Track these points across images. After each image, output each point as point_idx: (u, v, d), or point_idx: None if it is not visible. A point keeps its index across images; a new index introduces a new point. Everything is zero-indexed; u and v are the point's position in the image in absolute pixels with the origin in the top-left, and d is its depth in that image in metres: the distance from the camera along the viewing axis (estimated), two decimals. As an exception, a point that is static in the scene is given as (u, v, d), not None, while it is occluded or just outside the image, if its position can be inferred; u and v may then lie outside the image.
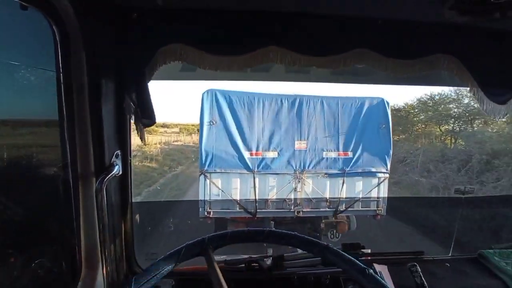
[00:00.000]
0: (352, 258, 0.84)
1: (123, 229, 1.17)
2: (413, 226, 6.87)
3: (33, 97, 0.95)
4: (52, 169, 0.99)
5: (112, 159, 1.04)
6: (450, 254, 1.51)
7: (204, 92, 4.72)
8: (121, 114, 1.07)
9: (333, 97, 5.05)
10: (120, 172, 1.07)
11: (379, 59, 1.11)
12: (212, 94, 4.71)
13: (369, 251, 1.33)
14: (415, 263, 1.16)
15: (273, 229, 0.88)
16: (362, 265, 0.81)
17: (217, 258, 1.30)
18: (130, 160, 1.15)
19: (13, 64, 0.81)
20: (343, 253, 0.86)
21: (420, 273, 1.13)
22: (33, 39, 0.91)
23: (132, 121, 1.12)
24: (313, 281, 1.17)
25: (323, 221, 5.18)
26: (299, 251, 1.19)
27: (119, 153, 1.08)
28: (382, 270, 1.18)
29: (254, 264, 1.23)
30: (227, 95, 4.76)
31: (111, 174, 0.99)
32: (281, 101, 4.89)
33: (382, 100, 5.07)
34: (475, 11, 0.96)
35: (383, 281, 0.80)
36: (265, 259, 1.23)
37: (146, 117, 1.05)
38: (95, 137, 0.97)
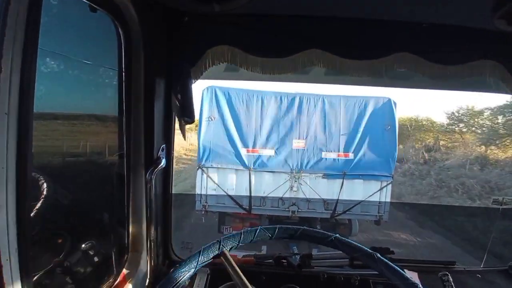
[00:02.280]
0: (360, 245, 0.83)
1: (164, 218, 1.26)
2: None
3: (98, 93, 1.05)
4: (109, 159, 1.08)
5: (159, 153, 1.12)
6: (481, 265, 1.47)
7: (204, 89, 4.83)
8: (168, 110, 1.15)
9: (335, 95, 4.89)
10: (165, 165, 1.14)
11: (421, 64, 1.10)
12: (212, 90, 4.80)
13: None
14: (447, 273, 1.16)
15: (284, 225, 0.86)
16: (369, 250, 0.81)
17: (246, 252, 1.37)
18: (173, 154, 1.24)
19: (81, 63, 0.91)
20: (351, 240, 0.85)
21: (452, 283, 1.13)
22: (100, 40, 1.01)
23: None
24: (343, 281, 1.18)
25: (319, 222, 5.06)
26: (327, 252, 1.23)
27: (164, 148, 1.16)
28: (412, 276, 1.16)
29: (283, 261, 1.27)
30: (226, 92, 4.82)
31: (159, 166, 1.08)
32: (281, 98, 4.84)
33: (389, 100, 4.80)
34: None
35: (389, 262, 0.78)
36: (293, 256, 1.27)
37: (188, 115, 1.11)
38: (147, 132, 1.06)
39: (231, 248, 0.83)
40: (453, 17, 1.03)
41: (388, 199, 4.81)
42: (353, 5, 1.04)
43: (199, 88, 4.99)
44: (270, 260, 1.29)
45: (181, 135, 1.22)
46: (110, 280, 1.00)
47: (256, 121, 4.81)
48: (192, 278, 1.14)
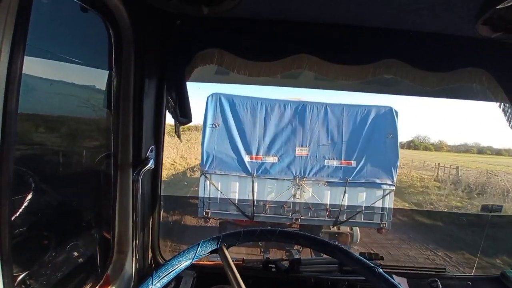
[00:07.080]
0: (361, 257, 0.81)
1: (151, 220, 1.24)
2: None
3: (86, 93, 1.03)
4: (96, 159, 1.06)
5: (148, 153, 1.11)
6: (473, 273, 1.45)
7: (209, 96, 4.88)
8: (159, 111, 1.15)
9: (338, 104, 4.97)
10: (153, 166, 1.13)
11: (408, 71, 1.12)
12: (217, 97, 4.86)
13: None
14: (436, 279, 1.15)
15: (284, 229, 0.86)
16: (370, 263, 0.78)
17: (235, 256, 1.36)
18: (162, 155, 1.23)
19: (71, 63, 0.90)
20: (352, 252, 0.84)
21: None
22: (90, 40, 1.01)
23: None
24: (330, 286, 1.16)
25: (322, 230, 5.05)
26: (316, 257, 1.21)
27: (154, 148, 1.15)
28: (401, 282, 1.17)
29: (271, 265, 1.26)
30: (231, 99, 4.88)
31: (146, 167, 1.07)
32: (284, 106, 4.91)
33: (391, 109, 4.89)
34: (509, 28, 0.96)
35: (391, 279, 0.75)
36: (282, 261, 1.27)
37: (183, 115, 1.11)
38: (136, 131, 1.05)
39: (229, 246, 0.83)
40: (438, 25, 1.06)
41: (391, 207, 4.83)
42: (341, 12, 1.05)
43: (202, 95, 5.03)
44: (259, 265, 1.28)
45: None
46: (94, 282, 0.98)
47: (260, 128, 4.86)
48: (178, 280, 1.14)
